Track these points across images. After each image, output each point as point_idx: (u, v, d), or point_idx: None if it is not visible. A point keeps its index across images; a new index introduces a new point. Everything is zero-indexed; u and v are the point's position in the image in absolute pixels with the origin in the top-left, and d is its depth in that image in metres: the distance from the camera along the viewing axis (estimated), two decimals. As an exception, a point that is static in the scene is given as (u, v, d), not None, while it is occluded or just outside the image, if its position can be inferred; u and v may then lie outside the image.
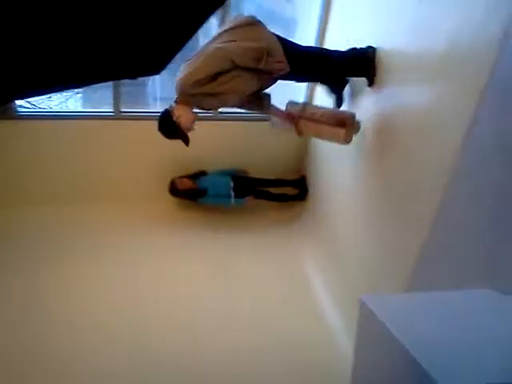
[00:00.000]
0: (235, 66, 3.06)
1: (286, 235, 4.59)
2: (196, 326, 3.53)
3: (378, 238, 3.30)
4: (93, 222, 4.44)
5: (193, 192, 4.58)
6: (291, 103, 3.74)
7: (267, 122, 3.95)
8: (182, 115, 3.23)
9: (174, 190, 4.57)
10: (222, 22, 3.98)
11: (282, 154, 4.92)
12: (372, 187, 3.40)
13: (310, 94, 4.60)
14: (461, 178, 2.34)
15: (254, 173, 4.81)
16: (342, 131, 3.47)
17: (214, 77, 3.06)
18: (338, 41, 4.02)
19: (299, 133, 3.70)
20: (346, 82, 3.81)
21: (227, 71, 3.05)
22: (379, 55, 3.36)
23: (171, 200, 4.69)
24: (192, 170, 4.67)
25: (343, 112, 3.64)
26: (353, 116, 3.52)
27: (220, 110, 4.16)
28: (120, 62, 1.12)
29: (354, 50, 3.53)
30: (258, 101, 3.46)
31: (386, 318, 1.22)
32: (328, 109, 3.71)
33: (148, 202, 4.71)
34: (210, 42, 3.17)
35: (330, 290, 3.85)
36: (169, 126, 3.28)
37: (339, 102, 3.86)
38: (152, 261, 4.12)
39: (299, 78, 3.69)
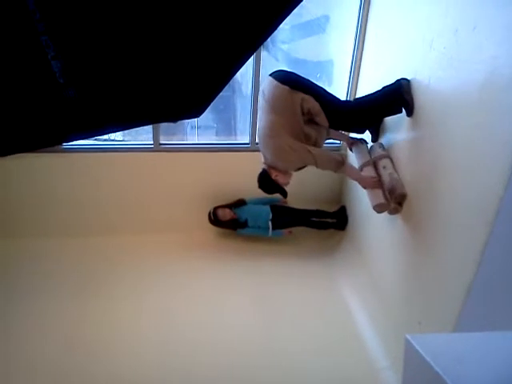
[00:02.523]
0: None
1: (325, 264, 4.52)
2: (234, 352, 3.52)
3: (421, 271, 3.18)
4: (133, 251, 4.52)
5: (233, 222, 4.64)
6: (379, 145, 3.81)
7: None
8: (278, 174, 3.56)
9: (216, 220, 4.62)
10: (256, 62, 4.28)
11: (321, 183, 4.89)
12: (415, 218, 3.32)
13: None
14: (507, 214, 2.25)
15: (292, 202, 4.80)
16: (381, 199, 3.49)
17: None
18: (372, 77, 4.05)
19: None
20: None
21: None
22: (415, 88, 3.31)
23: (210, 229, 4.72)
24: (229, 198, 4.70)
25: (400, 188, 3.45)
26: (403, 194, 3.42)
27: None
28: (161, 105, 1.15)
29: (385, 88, 3.53)
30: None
31: (432, 359, 1.18)
32: (395, 174, 3.57)
33: (187, 232, 4.76)
34: (267, 110, 3.39)
35: (373, 324, 3.72)
36: (269, 185, 3.62)
37: (375, 136, 3.94)
38: (192, 289, 4.14)
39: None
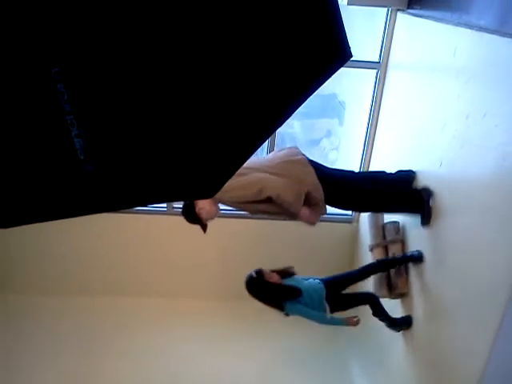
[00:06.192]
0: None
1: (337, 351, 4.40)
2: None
3: (430, 364, 3.13)
4: (138, 314, 4.49)
5: (283, 290, 3.31)
6: (394, 225, 3.70)
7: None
8: (203, 208, 3.17)
9: (261, 281, 3.27)
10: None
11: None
12: (423, 312, 3.31)
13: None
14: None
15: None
16: (384, 293, 3.56)
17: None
18: (385, 155, 4.14)
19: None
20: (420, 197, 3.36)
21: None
22: (427, 169, 3.35)
23: (220, 298, 4.62)
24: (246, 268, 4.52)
25: (402, 287, 3.50)
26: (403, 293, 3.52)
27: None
28: (176, 186, 1.19)
29: (400, 172, 3.57)
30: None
31: None
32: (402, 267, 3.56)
33: (196, 299, 4.68)
34: (260, 163, 3.22)
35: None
36: (190, 214, 3.25)
37: (426, 219, 3.30)
38: (197, 358, 4.10)
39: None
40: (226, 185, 2.97)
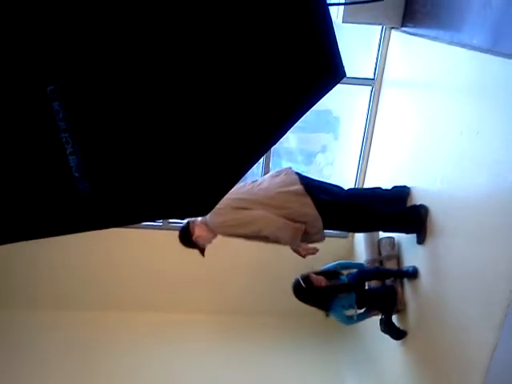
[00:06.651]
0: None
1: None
2: None
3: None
4: (132, 329, 4.45)
5: (337, 288, 3.43)
6: (390, 241, 3.71)
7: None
8: (200, 235, 3.23)
9: (310, 288, 3.33)
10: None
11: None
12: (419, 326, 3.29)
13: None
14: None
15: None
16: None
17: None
18: (380, 173, 4.16)
19: None
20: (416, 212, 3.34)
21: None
22: (423, 186, 3.36)
23: (215, 312, 4.59)
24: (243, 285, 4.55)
25: (397, 304, 3.52)
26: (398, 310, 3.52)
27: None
28: (170, 204, 1.19)
29: (394, 188, 3.58)
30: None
31: None
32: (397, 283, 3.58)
33: (188, 312, 4.65)
34: (257, 193, 3.22)
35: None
36: (187, 241, 3.30)
37: (422, 238, 3.30)
38: (191, 372, 4.05)
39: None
40: (225, 220, 3.06)
